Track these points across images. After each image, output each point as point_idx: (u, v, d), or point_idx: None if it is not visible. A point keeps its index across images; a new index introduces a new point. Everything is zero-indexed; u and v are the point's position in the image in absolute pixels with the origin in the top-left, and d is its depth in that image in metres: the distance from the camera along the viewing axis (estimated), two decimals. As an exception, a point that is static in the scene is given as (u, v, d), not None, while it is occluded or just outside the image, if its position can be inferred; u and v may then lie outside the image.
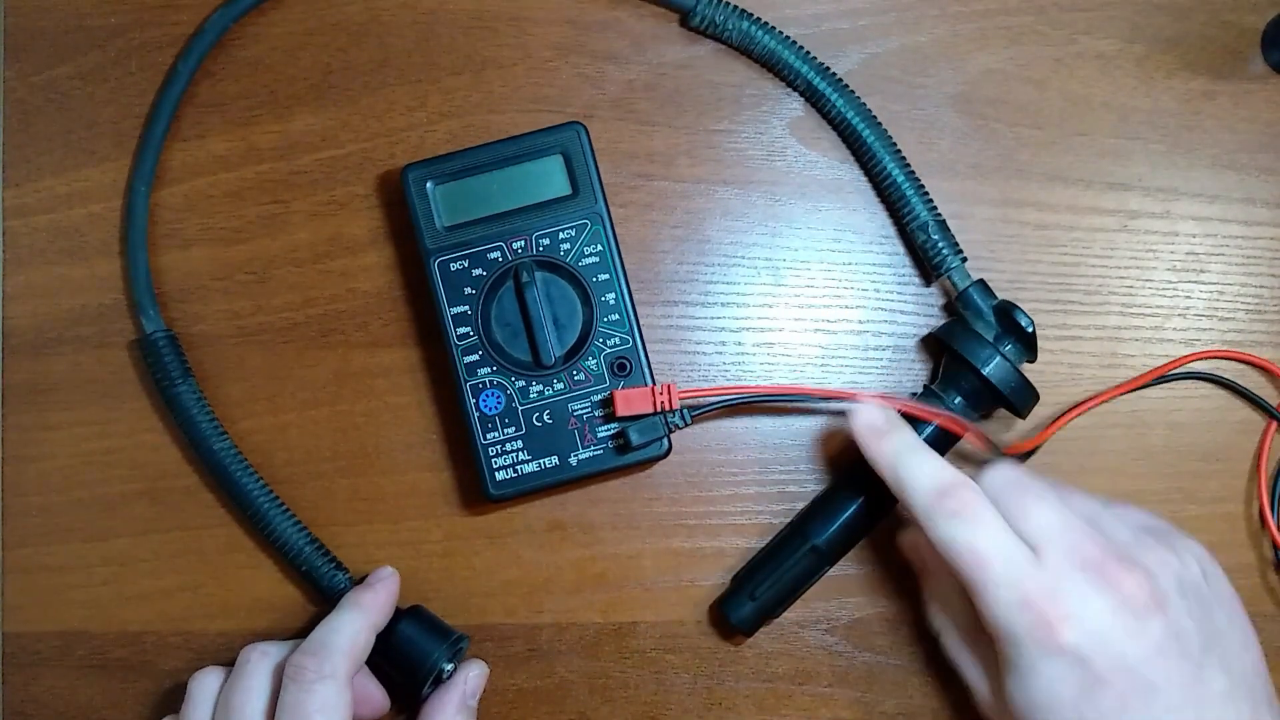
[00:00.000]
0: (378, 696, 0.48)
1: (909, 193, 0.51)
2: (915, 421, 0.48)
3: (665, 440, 0.48)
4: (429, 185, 0.49)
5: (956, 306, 0.50)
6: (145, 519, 0.52)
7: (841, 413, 0.51)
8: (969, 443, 0.48)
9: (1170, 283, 0.52)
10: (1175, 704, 0.40)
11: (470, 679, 0.49)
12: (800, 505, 0.51)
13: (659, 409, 0.48)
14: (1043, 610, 0.40)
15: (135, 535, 0.52)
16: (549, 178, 0.49)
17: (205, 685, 0.46)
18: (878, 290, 0.52)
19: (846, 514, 0.49)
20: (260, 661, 0.46)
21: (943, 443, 0.49)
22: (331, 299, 0.52)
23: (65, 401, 0.52)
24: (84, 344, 0.52)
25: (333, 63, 0.53)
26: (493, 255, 0.49)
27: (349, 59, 0.53)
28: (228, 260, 0.52)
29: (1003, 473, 0.44)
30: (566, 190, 0.49)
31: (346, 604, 0.47)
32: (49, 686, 0.52)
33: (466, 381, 0.48)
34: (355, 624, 0.46)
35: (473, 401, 0.48)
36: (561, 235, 0.49)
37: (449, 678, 0.49)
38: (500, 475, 0.48)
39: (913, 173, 0.51)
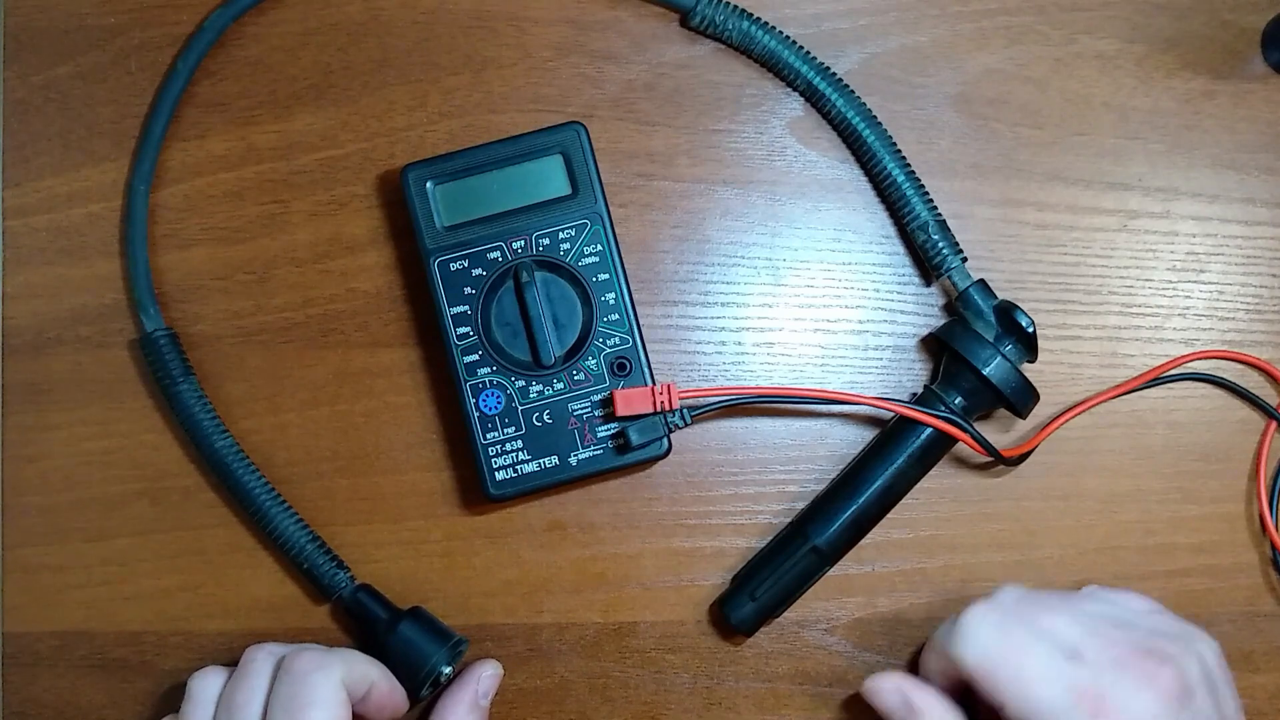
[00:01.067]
0: (398, 697, 0.47)
1: (909, 192, 0.51)
2: (913, 424, 0.49)
3: (665, 440, 0.48)
4: (429, 185, 0.49)
5: (956, 306, 0.50)
6: (145, 519, 0.52)
7: (841, 415, 0.52)
8: (965, 446, 0.48)
9: (1170, 283, 0.52)
10: None
11: (483, 679, 0.49)
12: (800, 505, 0.51)
13: (659, 409, 0.48)
14: (1093, 701, 0.41)
15: (135, 535, 0.52)
16: (549, 177, 0.49)
17: (206, 685, 0.46)
18: (878, 290, 0.52)
19: (847, 514, 0.49)
20: (265, 661, 0.45)
21: (940, 446, 0.49)
22: (331, 299, 0.52)
23: (65, 401, 0.52)
24: (84, 344, 0.52)
25: (333, 63, 0.53)
26: (492, 255, 0.49)
27: (349, 59, 0.53)
28: (228, 260, 0.52)
29: (1011, 593, 0.45)
30: (566, 190, 0.49)
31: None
32: (49, 686, 0.52)
33: (466, 381, 0.48)
34: (365, 660, 0.46)
35: (472, 401, 0.48)
36: (561, 235, 0.49)
37: (448, 681, 0.49)
38: (500, 475, 0.48)
39: (913, 172, 0.51)
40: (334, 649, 0.46)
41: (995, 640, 0.43)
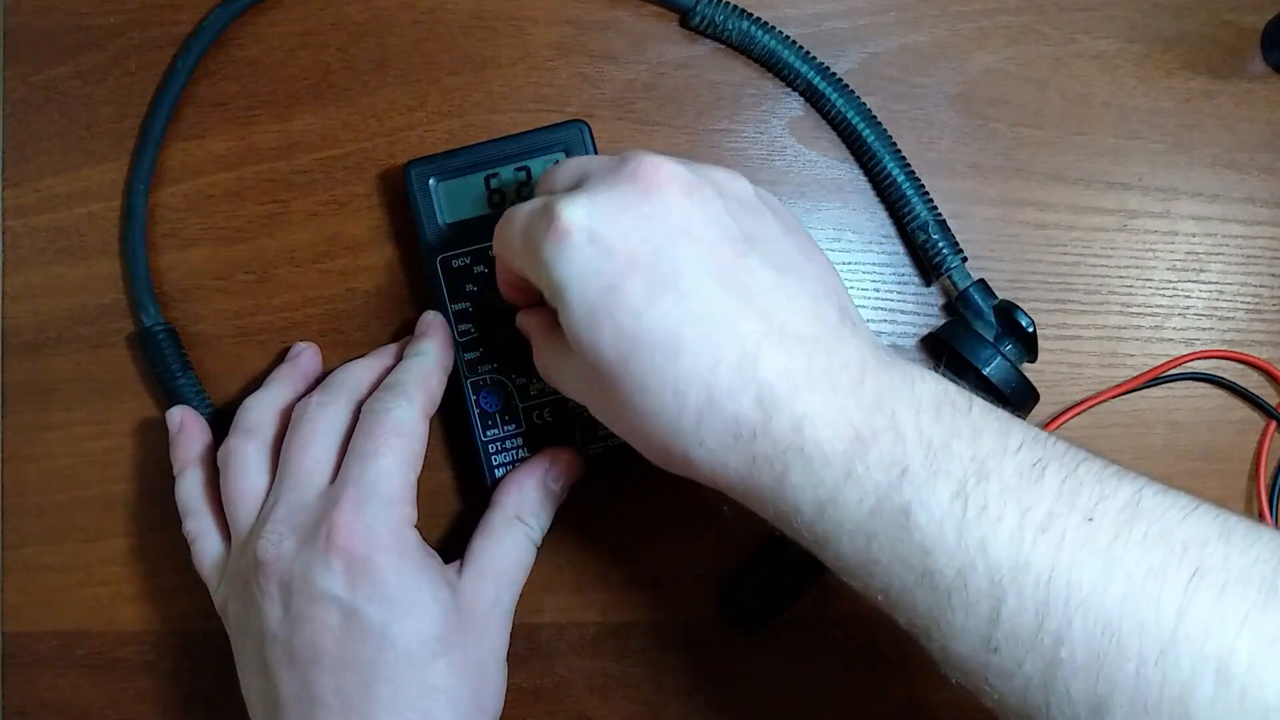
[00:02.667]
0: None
1: (909, 192, 0.51)
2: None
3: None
4: (431, 182, 0.49)
5: (957, 306, 0.50)
6: (145, 519, 0.52)
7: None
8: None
9: (1170, 282, 0.52)
10: (706, 288, 0.36)
11: (559, 459, 0.48)
12: (800, 505, 0.51)
13: (659, 408, 0.48)
14: (547, 211, 0.37)
15: (135, 535, 0.52)
16: (551, 175, 0.49)
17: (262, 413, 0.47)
18: (878, 290, 0.52)
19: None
20: (318, 409, 0.46)
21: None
22: (331, 299, 0.52)
23: (65, 401, 0.52)
24: (83, 343, 0.52)
25: (333, 63, 0.53)
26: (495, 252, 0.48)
27: (349, 59, 0.53)
28: (228, 260, 0.52)
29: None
30: (568, 188, 0.49)
31: (409, 353, 0.47)
32: (49, 686, 0.52)
33: (467, 378, 0.48)
34: (424, 365, 0.47)
35: (473, 398, 0.48)
36: (562, 233, 0.49)
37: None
38: (500, 473, 0.48)
39: (913, 172, 0.51)
40: (411, 379, 0.46)
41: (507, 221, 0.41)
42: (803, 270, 0.38)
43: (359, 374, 0.48)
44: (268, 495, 0.45)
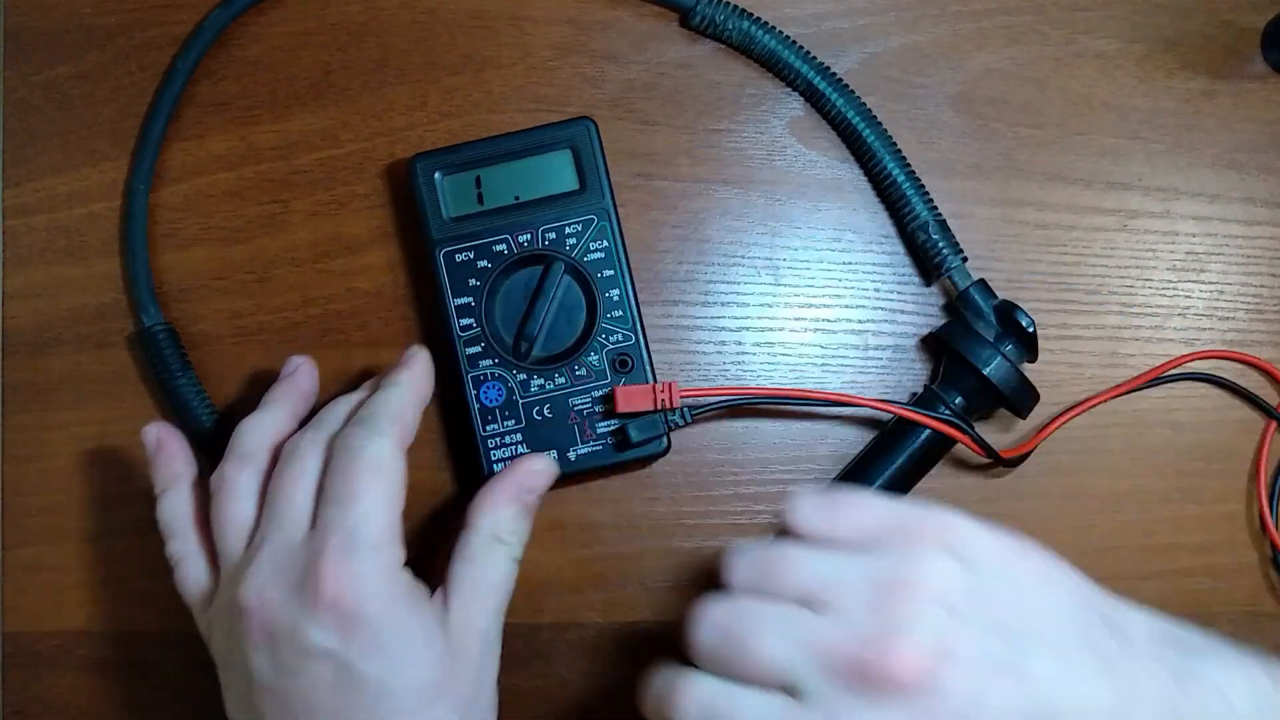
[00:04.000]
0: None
1: (909, 192, 0.51)
2: (913, 425, 0.48)
3: (665, 438, 0.48)
4: (437, 175, 0.49)
5: (957, 306, 0.50)
6: (145, 519, 0.51)
7: (842, 416, 0.52)
8: (965, 447, 0.48)
9: (1170, 282, 0.52)
10: None
11: (531, 471, 0.47)
12: (801, 505, 0.51)
13: (659, 407, 0.48)
14: None
15: (135, 535, 0.52)
16: (557, 172, 0.49)
17: (238, 481, 0.45)
18: (878, 290, 0.52)
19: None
20: (309, 446, 0.44)
21: (940, 447, 0.49)
22: (331, 299, 0.52)
23: (65, 401, 0.52)
24: (84, 343, 0.52)
25: (333, 62, 0.53)
26: (498, 248, 0.49)
27: (349, 59, 0.53)
28: (228, 260, 0.52)
29: (711, 613, 0.39)
30: (574, 185, 0.49)
31: (385, 384, 0.46)
32: (49, 686, 0.51)
33: (468, 373, 0.48)
34: (399, 397, 0.45)
35: (474, 393, 0.48)
36: (568, 230, 0.49)
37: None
38: (499, 467, 0.48)
39: (913, 172, 0.51)
40: (384, 412, 0.44)
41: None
42: (1064, 637, 0.36)
43: (353, 409, 0.46)
44: (257, 526, 0.44)
